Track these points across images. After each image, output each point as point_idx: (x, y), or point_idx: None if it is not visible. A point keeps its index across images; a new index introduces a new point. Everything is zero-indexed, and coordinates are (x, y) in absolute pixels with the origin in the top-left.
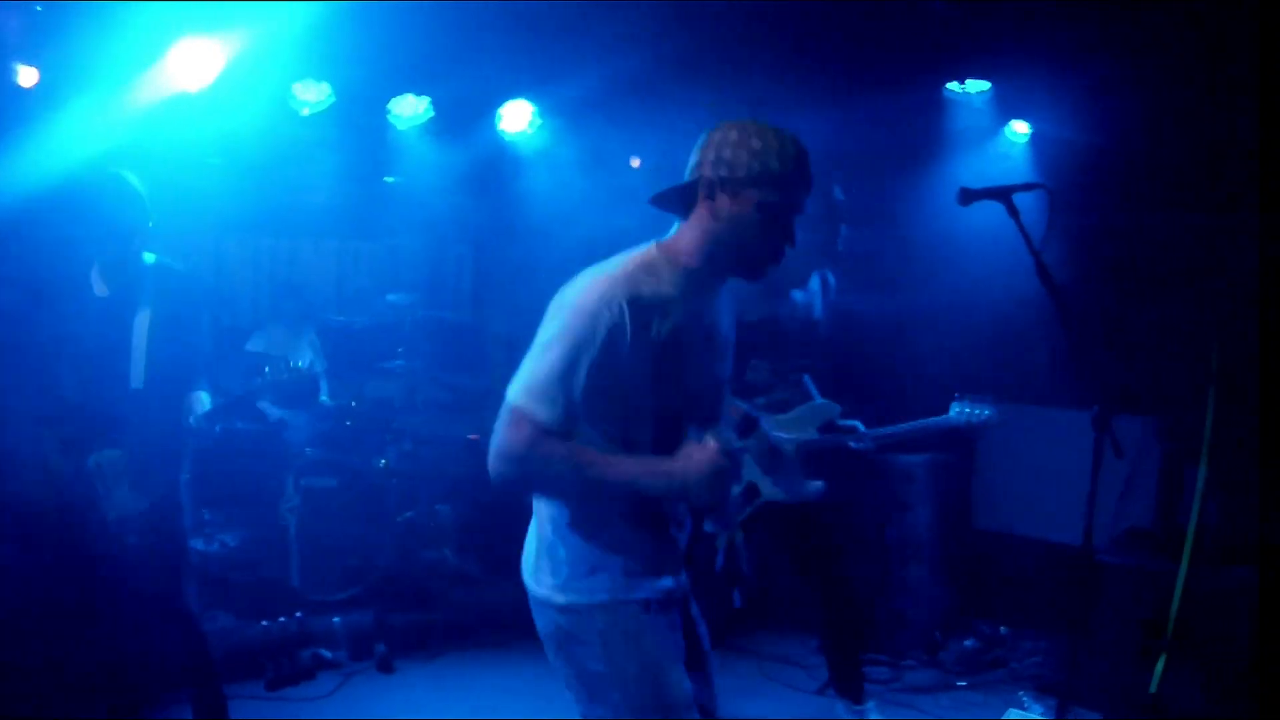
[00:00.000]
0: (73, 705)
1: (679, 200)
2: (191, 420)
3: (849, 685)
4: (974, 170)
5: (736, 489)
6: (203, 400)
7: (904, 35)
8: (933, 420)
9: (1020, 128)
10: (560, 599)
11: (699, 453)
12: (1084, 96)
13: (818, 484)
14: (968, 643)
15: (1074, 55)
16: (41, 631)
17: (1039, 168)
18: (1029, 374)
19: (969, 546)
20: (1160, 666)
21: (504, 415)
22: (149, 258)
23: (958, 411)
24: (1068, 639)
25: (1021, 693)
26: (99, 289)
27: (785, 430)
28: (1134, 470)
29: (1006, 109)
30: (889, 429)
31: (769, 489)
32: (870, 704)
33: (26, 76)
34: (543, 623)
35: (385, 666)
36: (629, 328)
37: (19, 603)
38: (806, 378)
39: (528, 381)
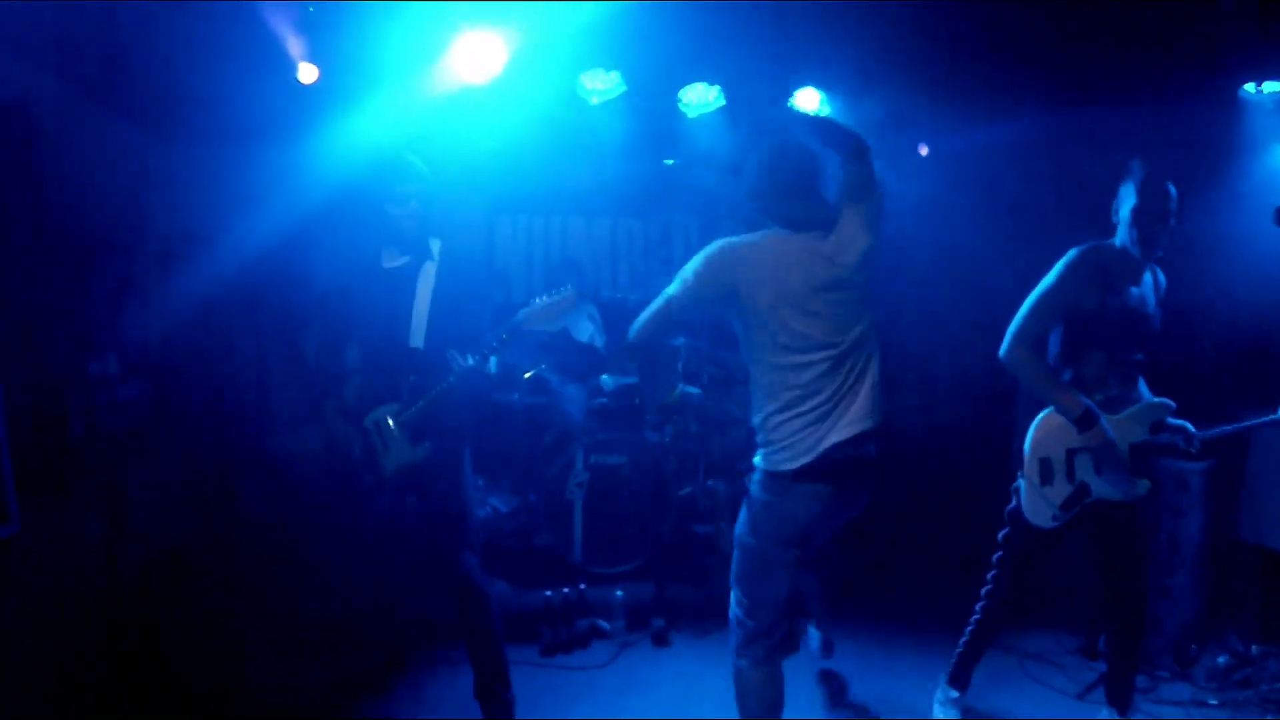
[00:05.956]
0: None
1: None
2: (454, 368)
3: (1121, 694)
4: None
5: (1068, 488)
6: (455, 357)
7: (1198, 36)
8: (1264, 419)
9: None
10: None
11: None
12: None
13: (1145, 482)
14: (1220, 659)
15: None
16: (319, 585)
17: None
18: None
19: (1230, 559)
20: None
21: None
22: (434, 238)
23: None
24: None
25: (1270, 717)
26: (389, 261)
27: (1118, 429)
28: None
29: None
30: (1218, 430)
31: (1099, 487)
32: None
33: (307, 73)
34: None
35: (661, 640)
36: None
37: (296, 557)
38: (1139, 375)
39: None
